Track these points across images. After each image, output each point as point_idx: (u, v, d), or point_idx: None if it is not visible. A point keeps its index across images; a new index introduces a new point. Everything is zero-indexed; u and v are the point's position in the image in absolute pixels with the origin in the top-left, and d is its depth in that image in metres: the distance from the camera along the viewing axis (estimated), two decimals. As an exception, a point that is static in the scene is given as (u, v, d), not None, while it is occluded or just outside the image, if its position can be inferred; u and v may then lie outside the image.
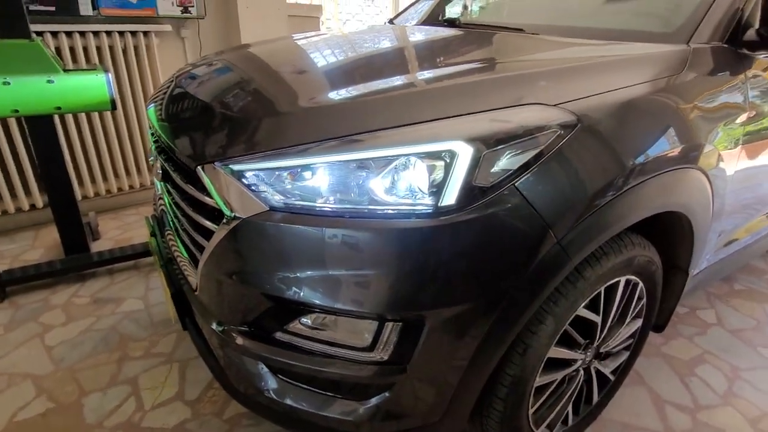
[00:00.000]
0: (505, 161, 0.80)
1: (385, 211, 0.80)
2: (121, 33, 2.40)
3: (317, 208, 0.83)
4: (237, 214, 0.86)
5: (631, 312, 1.20)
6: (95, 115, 2.45)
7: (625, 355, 1.33)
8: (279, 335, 0.91)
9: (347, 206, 0.81)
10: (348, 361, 0.87)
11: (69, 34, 2.26)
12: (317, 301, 0.83)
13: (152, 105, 1.36)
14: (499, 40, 1.35)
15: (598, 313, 1.09)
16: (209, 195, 0.92)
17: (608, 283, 1.05)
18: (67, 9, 2.18)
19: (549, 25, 1.41)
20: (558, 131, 0.84)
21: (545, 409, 1.16)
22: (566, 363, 1.12)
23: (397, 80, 1.01)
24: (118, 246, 2.26)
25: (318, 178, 0.84)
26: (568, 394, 1.19)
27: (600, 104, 0.92)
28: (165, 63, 2.65)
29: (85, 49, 2.33)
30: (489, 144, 0.80)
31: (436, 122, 0.83)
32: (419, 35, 1.53)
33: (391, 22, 2.05)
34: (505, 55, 1.20)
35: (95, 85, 1.81)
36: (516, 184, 0.80)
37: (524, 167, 0.81)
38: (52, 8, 2.14)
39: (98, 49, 2.37)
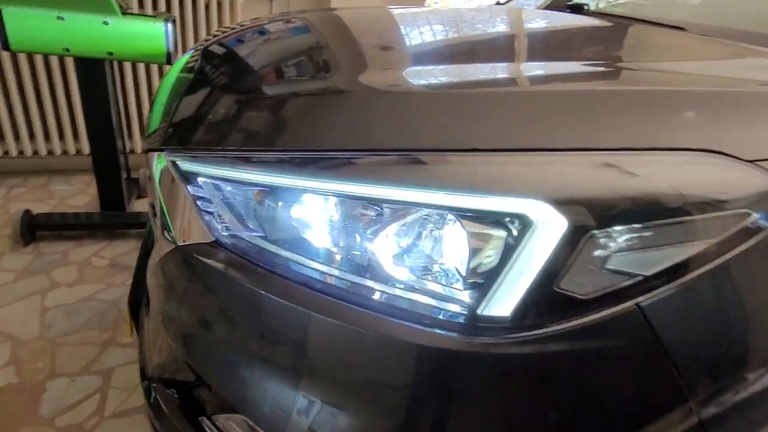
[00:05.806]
0: (632, 257, 0.41)
1: (386, 298, 0.45)
2: (207, -15, 2.25)
3: (288, 262, 0.50)
4: (167, 234, 0.56)
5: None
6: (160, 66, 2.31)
7: None
8: (205, 422, 0.61)
9: (335, 274, 0.48)
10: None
11: (153, -22, 2.13)
12: (250, 413, 0.51)
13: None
14: (654, 40, 0.91)
15: None
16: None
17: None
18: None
19: (722, 27, 0.95)
20: (754, 215, 0.43)
21: None
22: None
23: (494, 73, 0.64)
24: (158, 209, 2.13)
25: (307, 212, 0.51)
26: None
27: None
28: (249, 24, 2.47)
29: (168, -2, 2.21)
30: (606, 217, 0.41)
31: (505, 156, 0.45)
32: (543, 23, 1.13)
33: (498, 2, 1.64)
34: (659, 63, 0.78)
35: (152, 33, 1.62)
36: (641, 304, 0.41)
37: (668, 273, 0.41)
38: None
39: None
